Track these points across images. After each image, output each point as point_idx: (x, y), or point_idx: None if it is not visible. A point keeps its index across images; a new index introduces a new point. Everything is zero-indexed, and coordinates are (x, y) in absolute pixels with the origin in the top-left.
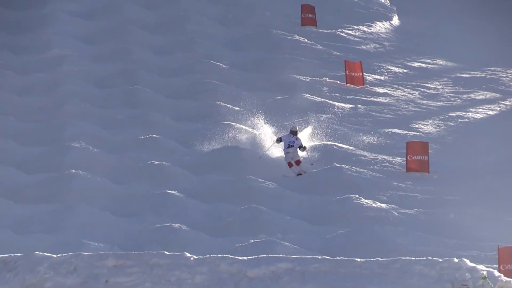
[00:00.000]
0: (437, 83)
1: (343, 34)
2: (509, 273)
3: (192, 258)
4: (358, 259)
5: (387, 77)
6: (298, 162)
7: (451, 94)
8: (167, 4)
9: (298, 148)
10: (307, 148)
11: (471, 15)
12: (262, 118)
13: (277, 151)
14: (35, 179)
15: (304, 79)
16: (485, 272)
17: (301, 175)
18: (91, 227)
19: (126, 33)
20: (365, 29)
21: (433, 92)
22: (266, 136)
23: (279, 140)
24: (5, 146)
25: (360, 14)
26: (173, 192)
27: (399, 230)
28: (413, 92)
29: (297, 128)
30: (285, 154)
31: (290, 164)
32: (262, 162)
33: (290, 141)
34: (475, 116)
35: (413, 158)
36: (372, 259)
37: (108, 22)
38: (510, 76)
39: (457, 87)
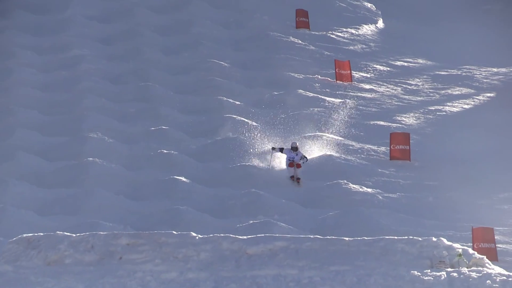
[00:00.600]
0: (417, 80)
1: (333, 36)
2: (482, 250)
3: (197, 237)
4: (346, 238)
5: (373, 75)
6: (298, 166)
7: (430, 90)
8: (175, 9)
9: (299, 159)
10: (308, 159)
11: (448, 19)
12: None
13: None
14: (56, 166)
15: (298, 77)
16: (460, 250)
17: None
18: (106, 209)
19: (138, 35)
20: (353, 31)
21: (414, 88)
22: (265, 128)
23: (281, 150)
24: (30, 136)
25: (348, 18)
26: (180, 178)
27: (383, 212)
28: (396, 88)
29: (297, 144)
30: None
31: (291, 164)
32: (262, 152)
33: (291, 157)
34: (452, 110)
35: (396, 147)
36: (359, 238)
37: (122, 25)
38: (483, 74)
39: (435, 84)
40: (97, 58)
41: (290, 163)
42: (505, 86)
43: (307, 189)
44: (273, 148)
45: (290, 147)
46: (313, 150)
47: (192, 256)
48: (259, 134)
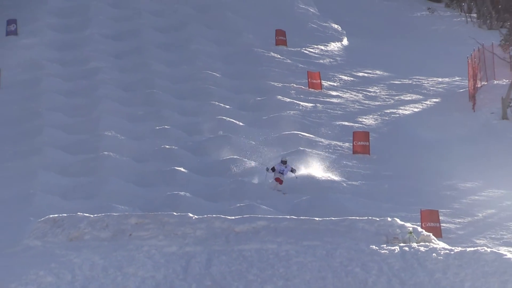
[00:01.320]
0: (375, 88)
1: (306, 52)
2: (429, 229)
3: (193, 218)
4: (317, 218)
5: (339, 84)
6: (280, 182)
7: (386, 96)
8: (176, 29)
9: (290, 171)
10: (296, 171)
11: (401, 37)
12: (246, 114)
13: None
14: (77, 159)
15: (277, 85)
16: (411, 228)
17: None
18: (118, 194)
19: (145, 50)
20: (322, 47)
21: (373, 94)
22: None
23: (272, 169)
24: (55, 134)
25: (319, 37)
26: (179, 168)
27: (347, 197)
28: (358, 94)
29: (287, 158)
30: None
31: (277, 180)
32: (247, 147)
33: (281, 169)
34: (404, 113)
35: (357, 143)
36: (327, 219)
37: (132, 43)
38: (430, 83)
39: (390, 91)
40: (111, 69)
41: (276, 178)
42: (448, 92)
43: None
44: (267, 169)
45: (280, 161)
46: (289, 146)
47: (189, 233)
48: (244, 133)
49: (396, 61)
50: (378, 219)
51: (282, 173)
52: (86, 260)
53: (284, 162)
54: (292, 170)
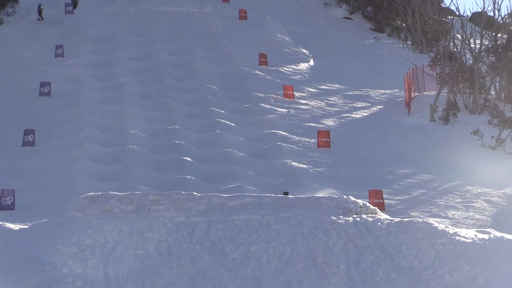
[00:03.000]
0: (334, 97)
1: (282, 70)
2: (375, 204)
3: (197, 195)
4: (290, 196)
5: (307, 94)
6: None
7: (342, 104)
8: (184, 53)
9: None
10: None
11: (354, 59)
12: (237, 117)
13: (243, 128)
14: (109, 151)
15: (260, 95)
16: (361, 204)
17: None
18: (140, 178)
19: (160, 69)
20: (294, 67)
21: (332, 102)
22: (240, 127)
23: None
24: (93, 132)
25: (291, 59)
26: (186, 158)
27: (313, 180)
28: (321, 102)
29: (288, 190)
30: None
31: None
32: (237, 142)
33: None
34: (356, 116)
35: (321, 139)
36: (298, 196)
37: (150, 63)
38: (376, 93)
39: (346, 100)
40: (135, 83)
41: None
42: (389, 101)
43: (266, 166)
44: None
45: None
46: (269, 141)
47: (194, 207)
48: (235, 132)
49: (350, 77)
50: (336, 196)
51: None
52: (115, 227)
53: (286, 193)
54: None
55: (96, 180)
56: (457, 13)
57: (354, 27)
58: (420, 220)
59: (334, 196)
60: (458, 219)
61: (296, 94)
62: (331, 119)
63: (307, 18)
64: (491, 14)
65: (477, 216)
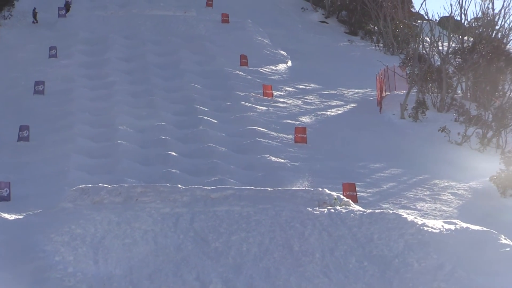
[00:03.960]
0: (311, 96)
1: (261, 70)
2: (348, 196)
3: (181, 188)
4: (269, 188)
5: (285, 93)
6: None
7: (318, 102)
8: (170, 54)
9: None
10: None
11: (329, 60)
12: (219, 114)
13: (227, 125)
14: (99, 146)
15: (241, 94)
16: (336, 196)
17: None
18: (128, 171)
19: (147, 69)
20: (273, 67)
21: (309, 101)
22: (222, 124)
23: None
24: (84, 128)
25: (270, 60)
26: (172, 153)
27: (290, 174)
28: (298, 101)
29: None
30: None
31: None
32: (219, 138)
33: None
34: (331, 114)
35: (298, 135)
36: (276, 189)
37: (138, 63)
38: (350, 92)
39: (321, 98)
40: (124, 82)
41: None
42: (362, 100)
43: (246, 160)
44: None
45: None
46: (249, 137)
47: (178, 199)
48: (218, 128)
49: (325, 77)
50: (312, 189)
51: None
52: (104, 218)
53: None
54: None
55: (86, 173)
56: (426, 17)
57: (329, 30)
58: (391, 211)
59: (310, 188)
60: (426, 211)
61: (275, 93)
62: (307, 116)
63: (285, 21)
64: (458, 18)
65: (444, 208)
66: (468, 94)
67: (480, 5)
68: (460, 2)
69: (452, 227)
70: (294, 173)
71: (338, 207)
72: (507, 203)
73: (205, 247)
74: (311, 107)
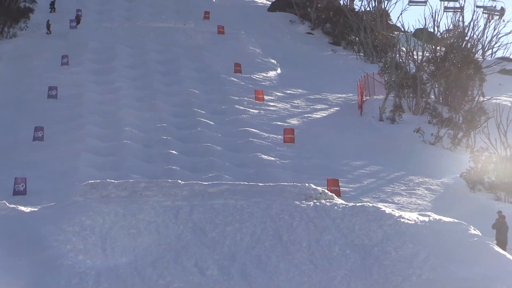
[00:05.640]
0: (298, 100)
1: (254, 77)
2: (332, 191)
3: (181, 183)
4: (261, 184)
5: (275, 97)
6: None
7: (305, 106)
8: (171, 62)
9: None
10: None
11: (314, 68)
12: (215, 117)
13: (220, 128)
14: (106, 145)
15: (235, 98)
16: (321, 190)
17: None
18: (133, 168)
19: (150, 75)
20: (264, 74)
21: (296, 105)
22: (217, 125)
23: None
24: (93, 129)
25: (262, 67)
26: (172, 151)
27: (280, 171)
28: (287, 105)
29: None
30: None
31: None
32: (216, 138)
33: None
34: (317, 117)
35: (287, 136)
36: (267, 184)
37: (142, 70)
38: (333, 97)
39: (308, 103)
40: (129, 87)
41: None
42: (344, 104)
43: (240, 158)
44: None
45: None
46: (243, 137)
47: (178, 193)
48: (214, 129)
49: (311, 83)
50: (299, 184)
51: None
52: (112, 210)
53: None
54: None
55: (95, 170)
56: (402, 29)
57: (315, 41)
58: (370, 204)
59: (297, 184)
60: (402, 204)
61: (266, 97)
62: (295, 118)
63: (275, 33)
64: (432, 30)
65: (419, 202)
66: (441, 98)
67: (452, 18)
68: (433, 15)
69: (426, 219)
70: (283, 170)
71: (323, 201)
72: (476, 197)
73: (203, 237)
74: (299, 110)
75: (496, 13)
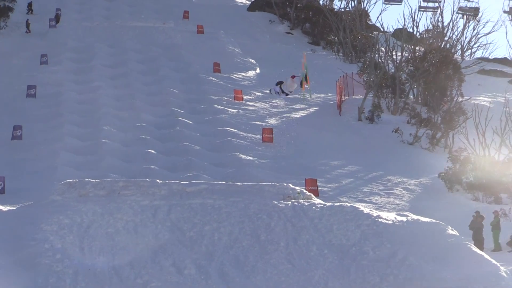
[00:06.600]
0: (277, 100)
1: (233, 76)
2: (310, 191)
3: (160, 182)
4: (239, 183)
5: (254, 97)
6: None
7: (284, 105)
8: (150, 61)
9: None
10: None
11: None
12: (194, 116)
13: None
14: (85, 144)
15: (214, 98)
16: (299, 190)
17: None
18: (111, 167)
19: (130, 75)
20: (243, 74)
21: (275, 104)
22: (196, 125)
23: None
24: (71, 128)
25: (241, 67)
26: (151, 151)
27: (258, 170)
28: (266, 104)
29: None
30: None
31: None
32: (194, 137)
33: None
34: (295, 116)
35: (265, 135)
36: (245, 184)
37: (122, 70)
38: (312, 97)
39: (286, 102)
40: (108, 87)
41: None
42: (323, 103)
43: (218, 158)
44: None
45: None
46: (221, 137)
47: (157, 192)
48: (193, 128)
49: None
50: (278, 184)
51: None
52: (90, 209)
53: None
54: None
55: (74, 169)
56: (381, 29)
57: (294, 40)
58: (348, 204)
59: (275, 184)
60: (380, 204)
61: (245, 97)
62: (274, 118)
63: (254, 32)
64: (411, 30)
65: (397, 202)
66: (419, 98)
67: (431, 18)
68: (413, 15)
69: (404, 218)
70: (261, 170)
71: (301, 201)
72: (454, 197)
73: (181, 236)
74: (277, 110)
75: (470, 13)
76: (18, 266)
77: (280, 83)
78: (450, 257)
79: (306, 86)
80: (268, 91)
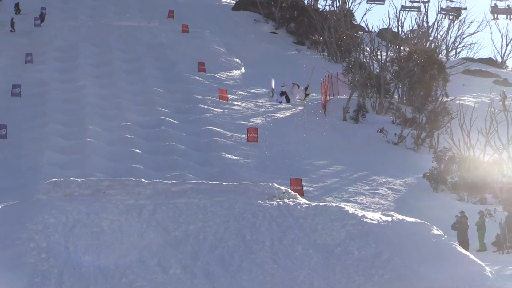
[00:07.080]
0: (262, 100)
1: (218, 76)
2: (296, 190)
3: (145, 182)
4: (224, 183)
5: (239, 97)
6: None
7: (268, 105)
8: (135, 61)
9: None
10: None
11: (279, 67)
12: (179, 116)
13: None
14: (71, 143)
15: (199, 97)
16: (284, 190)
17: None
18: (97, 166)
19: (115, 74)
20: (228, 73)
21: (260, 104)
22: (182, 125)
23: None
24: (56, 127)
25: (226, 66)
26: (136, 150)
27: (243, 170)
28: (251, 104)
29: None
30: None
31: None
32: (179, 137)
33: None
34: (280, 116)
35: (250, 135)
36: (230, 183)
37: (106, 69)
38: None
39: (272, 102)
40: (93, 86)
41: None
42: (308, 103)
43: (203, 157)
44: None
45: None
46: (206, 136)
47: (142, 192)
48: (178, 128)
49: (275, 82)
50: (263, 184)
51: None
52: (75, 208)
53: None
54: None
55: (59, 168)
56: (366, 29)
57: (279, 40)
58: (334, 204)
59: (261, 183)
60: (365, 204)
61: (230, 96)
62: (259, 118)
63: (239, 32)
64: (396, 30)
65: (382, 202)
66: (404, 98)
67: (416, 18)
68: (398, 15)
69: (389, 218)
70: (246, 169)
71: (286, 200)
72: (439, 197)
73: (166, 236)
74: (262, 109)
75: (453, 13)
76: (3, 266)
77: (284, 94)
78: (435, 257)
79: (308, 96)
80: (266, 91)
